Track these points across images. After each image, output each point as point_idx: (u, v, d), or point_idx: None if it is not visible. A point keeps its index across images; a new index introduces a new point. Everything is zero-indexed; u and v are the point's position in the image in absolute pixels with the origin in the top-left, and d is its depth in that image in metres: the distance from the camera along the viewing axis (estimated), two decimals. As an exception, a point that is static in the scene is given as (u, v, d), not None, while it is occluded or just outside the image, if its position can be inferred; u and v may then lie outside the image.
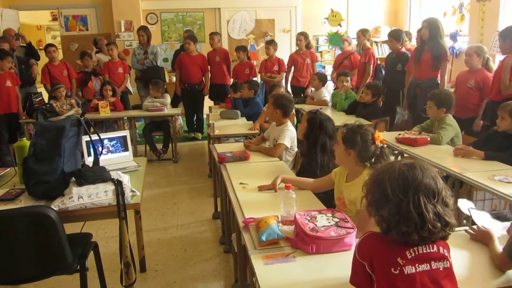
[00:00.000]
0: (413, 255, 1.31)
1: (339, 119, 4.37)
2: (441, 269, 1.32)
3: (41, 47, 14.09)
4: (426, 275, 1.30)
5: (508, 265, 1.57)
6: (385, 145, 2.17)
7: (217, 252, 3.29)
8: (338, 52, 8.63)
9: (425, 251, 1.32)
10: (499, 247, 1.67)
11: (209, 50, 7.01)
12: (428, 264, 1.31)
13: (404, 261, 1.29)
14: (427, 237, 1.30)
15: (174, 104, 6.68)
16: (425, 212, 1.27)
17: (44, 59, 6.83)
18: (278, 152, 3.30)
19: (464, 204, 2.03)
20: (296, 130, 3.55)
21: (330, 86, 6.79)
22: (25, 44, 6.56)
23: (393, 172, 1.34)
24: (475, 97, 4.33)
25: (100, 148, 2.36)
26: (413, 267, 1.29)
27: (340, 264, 1.61)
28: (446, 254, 1.35)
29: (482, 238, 1.79)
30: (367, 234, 1.40)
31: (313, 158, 2.88)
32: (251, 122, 4.85)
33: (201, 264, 3.13)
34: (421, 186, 1.30)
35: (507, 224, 1.87)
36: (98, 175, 2.17)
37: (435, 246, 1.34)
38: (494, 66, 4.45)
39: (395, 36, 5.53)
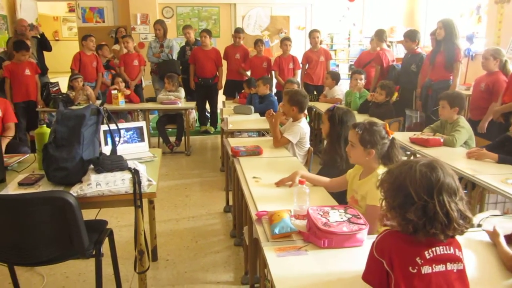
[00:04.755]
0: (431, 255, 1.32)
1: (353, 118, 4.36)
2: (455, 270, 1.34)
3: (57, 38, 14.23)
4: (441, 276, 1.31)
5: None
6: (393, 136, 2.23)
7: (227, 244, 3.34)
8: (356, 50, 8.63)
9: (443, 252, 1.33)
10: (508, 248, 1.68)
11: (228, 45, 7.03)
12: (444, 265, 1.32)
13: (422, 261, 1.30)
14: (451, 235, 1.32)
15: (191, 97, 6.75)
16: (451, 211, 1.29)
17: (56, 51, 6.92)
18: (279, 143, 3.39)
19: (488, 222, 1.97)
20: (310, 127, 3.56)
21: (343, 84, 6.76)
22: (38, 35, 6.61)
23: (414, 174, 1.33)
24: (485, 100, 4.30)
25: (117, 138, 2.40)
26: (430, 267, 1.30)
27: (352, 259, 1.63)
28: (461, 257, 1.36)
29: (492, 237, 1.80)
30: (386, 231, 1.40)
31: (337, 153, 2.83)
32: (264, 118, 4.86)
33: (212, 255, 3.17)
34: (444, 186, 1.31)
35: None
36: (116, 163, 2.21)
37: (451, 248, 1.35)
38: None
39: (410, 37, 5.51)
